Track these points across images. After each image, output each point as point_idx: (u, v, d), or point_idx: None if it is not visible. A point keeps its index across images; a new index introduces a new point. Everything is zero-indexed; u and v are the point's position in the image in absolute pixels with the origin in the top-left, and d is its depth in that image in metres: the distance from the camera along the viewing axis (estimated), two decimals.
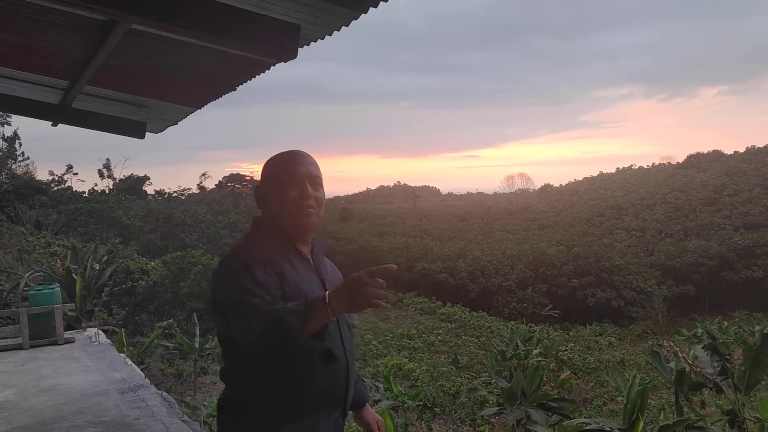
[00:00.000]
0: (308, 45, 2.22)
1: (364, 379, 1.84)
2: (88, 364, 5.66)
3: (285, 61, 2.13)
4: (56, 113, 4.17)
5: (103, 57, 2.52)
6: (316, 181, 1.49)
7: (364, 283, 1.12)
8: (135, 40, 2.42)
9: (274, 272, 1.33)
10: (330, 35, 2.10)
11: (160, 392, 4.62)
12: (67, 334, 6.83)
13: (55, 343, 6.53)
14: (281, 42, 2.01)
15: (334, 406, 1.45)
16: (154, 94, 3.46)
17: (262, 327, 1.19)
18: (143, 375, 5.28)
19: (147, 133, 5.40)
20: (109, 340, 6.91)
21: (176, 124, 4.37)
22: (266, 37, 1.98)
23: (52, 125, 4.46)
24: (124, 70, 2.95)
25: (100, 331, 7.17)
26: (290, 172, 1.47)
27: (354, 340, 1.56)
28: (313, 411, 1.39)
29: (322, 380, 1.39)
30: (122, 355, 6.18)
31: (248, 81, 2.92)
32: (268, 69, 2.65)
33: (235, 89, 3.16)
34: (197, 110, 3.81)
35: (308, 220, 1.47)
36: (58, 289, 7.01)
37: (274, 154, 1.54)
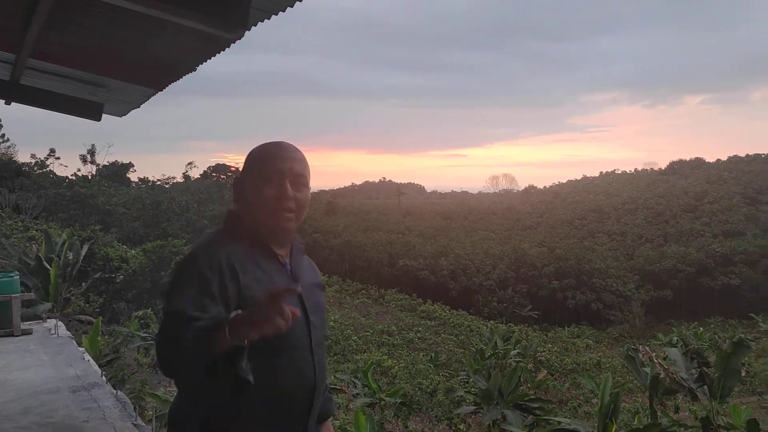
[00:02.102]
0: (269, 18, 2.00)
1: (331, 390, 1.68)
2: (42, 359, 5.37)
3: (233, 33, 1.89)
4: (7, 90, 3.86)
5: (39, 26, 2.26)
6: (300, 180, 1.34)
7: (265, 306, 1.05)
8: (72, 7, 2.17)
9: (234, 283, 1.21)
10: (291, 6, 1.88)
11: (114, 392, 4.37)
12: (25, 325, 6.52)
13: (11, 335, 6.22)
14: (227, 8, 1.76)
15: (296, 422, 1.36)
16: (106, 71, 3.19)
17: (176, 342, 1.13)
18: (100, 372, 5.01)
19: (117, 117, 5.12)
20: (69, 333, 6.60)
21: (138, 107, 4.10)
22: (209, 3, 1.74)
23: (6, 104, 4.16)
24: (69, 43, 2.68)
25: (60, 322, 6.85)
26: (272, 167, 1.32)
27: (324, 352, 1.45)
28: (274, 426, 1.30)
29: (287, 395, 1.30)
30: (81, 349, 5.89)
31: (207, 60, 2.68)
32: (228, 47, 2.42)
33: (194, 69, 2.92)
34: (158, 92, 3.56)
35: (284, 224, 1.33)
36: (17, 277, 6.69)
37: (262, 143, 1.38)
